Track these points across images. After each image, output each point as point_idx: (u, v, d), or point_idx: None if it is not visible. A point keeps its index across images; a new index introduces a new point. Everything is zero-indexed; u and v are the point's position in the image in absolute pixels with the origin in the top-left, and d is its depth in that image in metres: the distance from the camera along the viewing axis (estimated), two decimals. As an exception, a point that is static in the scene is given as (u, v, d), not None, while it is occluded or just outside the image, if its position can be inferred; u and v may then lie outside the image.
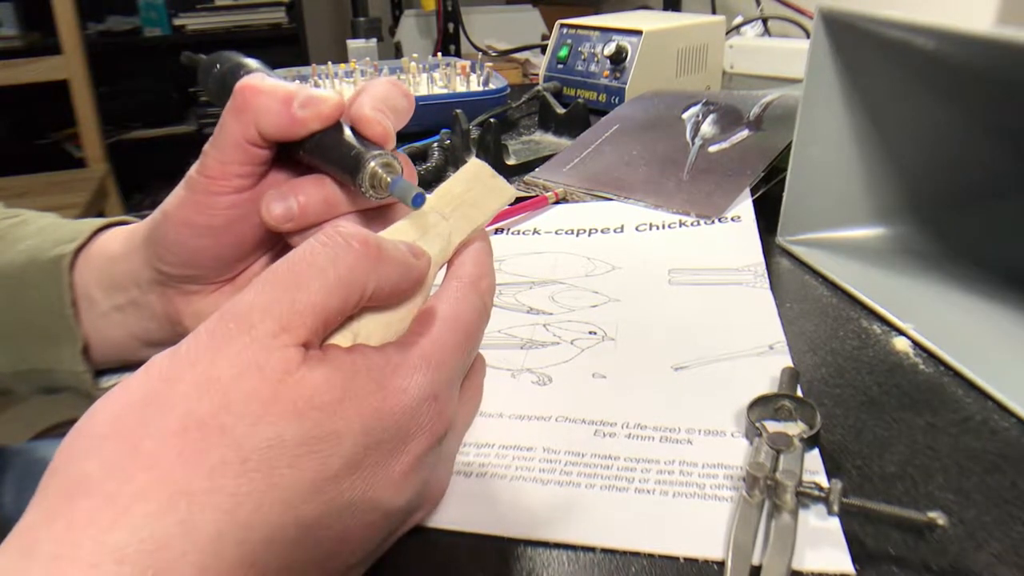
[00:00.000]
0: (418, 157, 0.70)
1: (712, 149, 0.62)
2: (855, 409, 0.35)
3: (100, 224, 0.39)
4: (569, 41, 0.90)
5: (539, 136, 0.80)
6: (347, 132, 0.30)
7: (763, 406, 0.34)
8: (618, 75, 0.84)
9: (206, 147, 0.31)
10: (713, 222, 0.54)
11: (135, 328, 0.37)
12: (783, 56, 1.02)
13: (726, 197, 0.56)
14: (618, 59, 0.83)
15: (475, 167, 0.30)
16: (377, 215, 0.32)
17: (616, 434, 0.34)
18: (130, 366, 0.39)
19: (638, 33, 0.83)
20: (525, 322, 0.45)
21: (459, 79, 0.87)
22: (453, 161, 0.70)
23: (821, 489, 0.28)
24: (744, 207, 0.55)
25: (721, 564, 0.27)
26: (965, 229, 0.50)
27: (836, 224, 0.52)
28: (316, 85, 0.86)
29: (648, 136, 0.66)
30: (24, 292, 0.37)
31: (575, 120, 0.77)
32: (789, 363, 0.38)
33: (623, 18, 0.92)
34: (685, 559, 0.28)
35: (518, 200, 0.58)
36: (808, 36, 0.88)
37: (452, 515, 0.30)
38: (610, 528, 0.29)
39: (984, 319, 0.43)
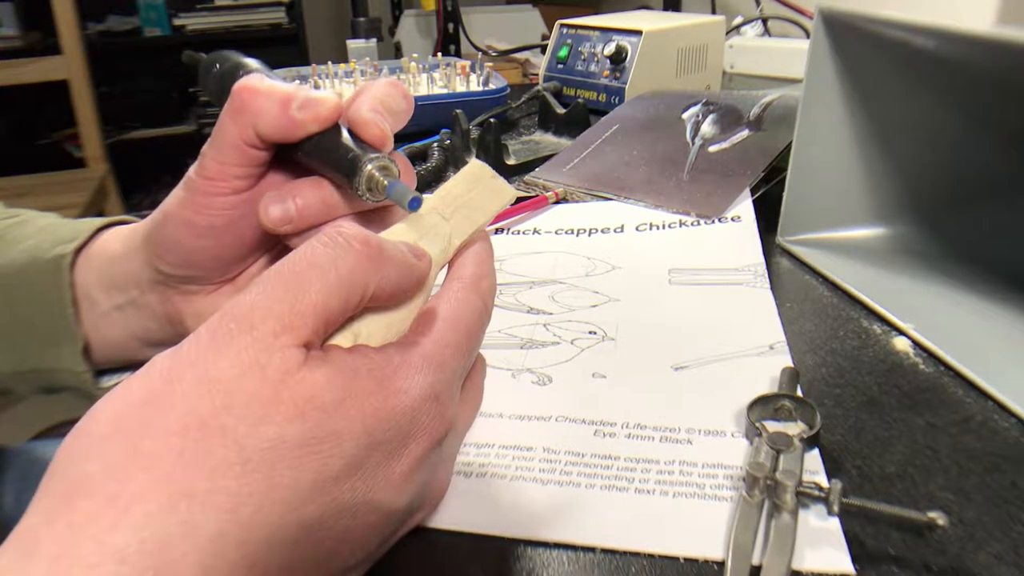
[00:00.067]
0: (418, 157, 0.70)
1: (712, 149, 0.62)
2: (855, 409, 0.35)
3: (100, 224, 0.39)
4: (569, 41, 0.90)
5: (539, 136, 0.80)
6: (345, 134, 0.30)
7: (763, 406, 0.34)
8: (618, 75, 0.84)
9: (204, 148, 0.31)
10: (713, 222, 0.54)
11: (135, 328, 0.37)
12: (783, 56, 1.02)
13: (726, 197, 0.56)
14: (618, 59, 0.83)
15: (476, 168, 0.30)
16: (376, 217, 0.32)
17: (616, 434, 0.34)
18: (131, 366, 0.39)
19: (638, 33, 0.83)
20: (525, 322, 0.45)
21: (459, 79, 0.87)
22: (453, 161, 0.70)
23: (821, 489, 0.28)
24: (744, 207, 0.55)
25: (721, 564, 0.27)
26: (965, 229, 0.50)
27: (836, 224, 0.52)
28: (316, 85, 0.86)
29: (648, 136, 0.66)
30: (24, 292, 0.37)
31: (575, 120, 0.77)
32: (789, 363, 0.38)
33: (623, 18, 0.92)
34: (685, 559, 0.28)
35: (518, 200, 0.58)
36: (808, 36, 0.88)
37: (452, 515, 0.30)
38: (610, 528, 0.29)
39: (984, 319, 0.43)
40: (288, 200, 0.30)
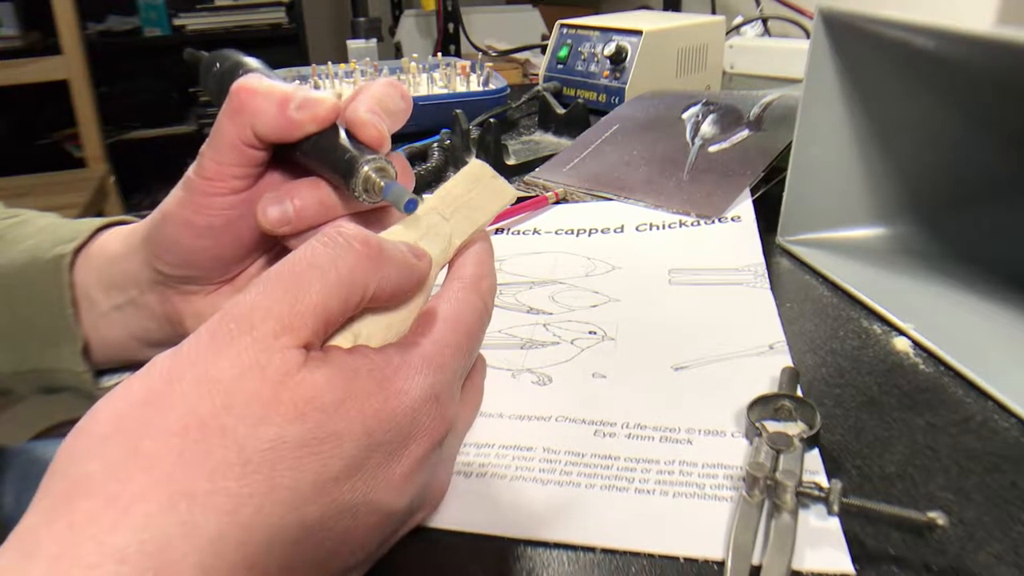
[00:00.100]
0: (418, 157, 0.70)
1: (712, 149, 0.62)
2: (855, 409, 0.35)
3: (100, 224, 0.39)
4: (569, 41, 0.90)
5: (539, 136, 0.80)
6: (342, 135, 0.30)
7: (763, 406, 0.34)
8: (618, 75, 0.84)
9: (203, 148, 0.31)
10: (713, 222, 0.54)
11: (135, 328, 0.37)
12: (783, 56, 1.02)
13: (726, 197, 0.56)
14: (618, 59, 0.83)
15: (476, 168, 0.30)
16: (375, 217, 0.32)
17: (616, 434, 0.34)
18: (131, 366, 0.39)
19: (638, 33, 0.83)
20: (525, 322, 0.45)
21: (459, 79, 0.87)
22: (453, 161, 0.70)
23: (821, 489, 0.28)
24: (744, 207, 0.55)
25: (721, 564, 0.27)
26: (965, 229, 0.50)
27: (836, 224, 0.52)
28: (316, 85, 0.86)
29: (648, 136, 0.66)
30: (24, 292, 0.37)
31: (575, 120, 0.77)
32: (789, 363, 0.38)
33: (623, 18, 0.92)
34: (685, 559, 0.28)
35: (518, 200, 0.58)
36: (808, 36, 0.88)
37: (453, 515, 0.30)
38: (610, 528, 0.29)
39: (984, 319, 0.43)
40: (286, 201, 0.30)
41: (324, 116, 0.30)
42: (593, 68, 0.86)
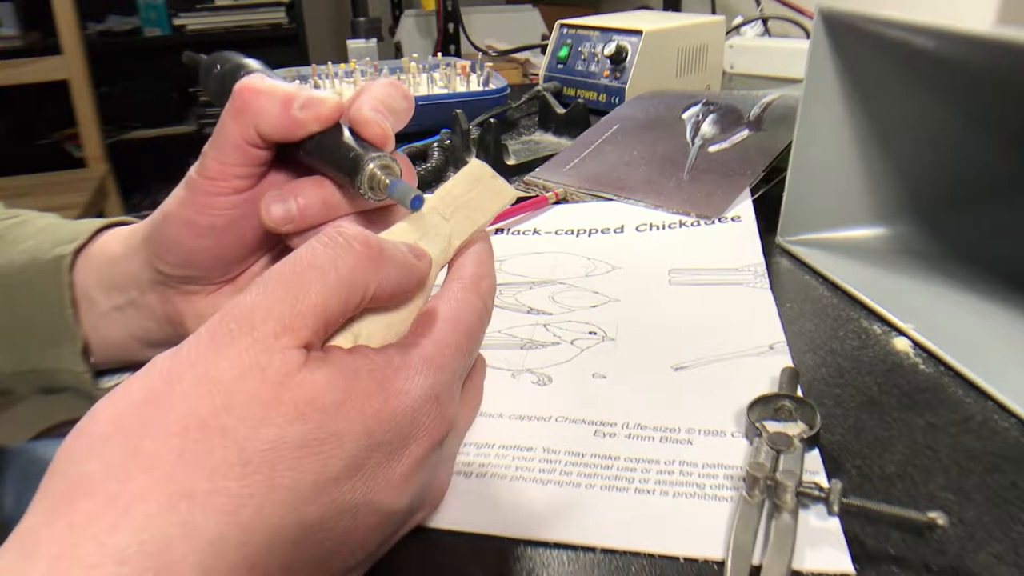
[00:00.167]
0: (418, 157, 0.70)
1: (712, 149, 0.62)
2: (855, 409, 0.35)
3: (100, 224, 0.39)
4: (569, 41, 0.90)
5: (539, 136, 0.80)
6: (346, 134, 0.30)
7: (763, 406, 0.34)
8: (618, 75, 0.84)
9: (205, 148, 0.31)
10: (713, 222, 0.54)
11: (135, 328, 0.37)
12: (783, 56, 1.02)
13: (726, 197, 0.56)
14: (618, 59, 0.83)
15: (476, 168, 0.30)
16: (377, 216, 0.32)
17: (616, 434, 0.34)
18: (131, 366, 0.39)
19: (638, 33, 0.83)
20: (525, 322, 0.45)
21: (459, 79, 0.87)
22: (453, 161, 0.70)
23: (821, 489, 0.28)
24: (744, 207, 0.55)
25: (721, 564, 0.27)
26: (965, 229, 0.50)
27: (836, 224, 0.52)
28: (316, 85, 0.86)
29: (648, 136, 0.66)
30: (24, 292, 0.37)
31: (575, 120, 0.77)
32: (789, 363, 0.38)
33: (623, 18, 0.92)
34: (685, 559, 0.28)
35: (518, 200, 0.58)
36: (808, 36, 0.88)
37: (453, 515, 0.30)
38: (610, 528, 0.29)
39: (984, 319, 0.43)
40: (290, 199, 0.30)
41: (327, 115, 0.30)
42: (593, 68, 0.86)
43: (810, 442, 0.32)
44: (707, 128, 0.64)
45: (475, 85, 0.87)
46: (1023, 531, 0.28)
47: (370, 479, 0.22)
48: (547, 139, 0.78)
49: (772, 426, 0.33)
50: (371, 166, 0.28)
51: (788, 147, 0.51)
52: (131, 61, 2.52)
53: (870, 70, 0.47)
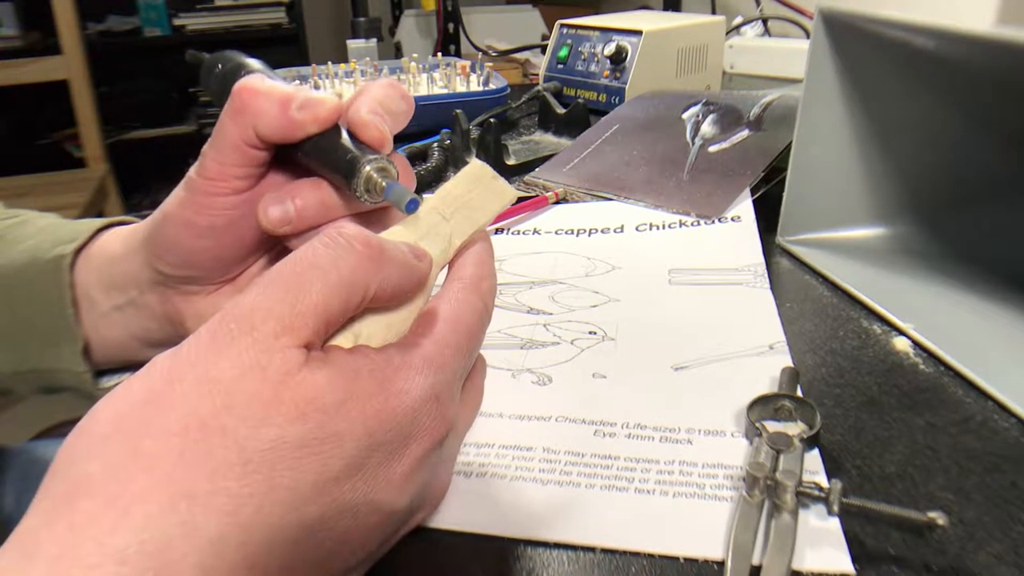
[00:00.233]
0: (418, 157, 0.70)
1: (712, 149, 0.62)
2: (855, 409, 0.35)
3: (100, 224, 0.39)
4: (569, 41, 0.90)
5: (539, 136, 0.80)
6: (344, 135, 0.30)
7: (763, 406, 0.34)
8: (618, 75, 0.84)
9: (205, 148, 0.31)
10: (713, 222, 0.54)
11: (135, 328, 0.37)
12: (783, 56, 1.02)
13: (726, 197, 0.56)
14: (618, 59, 0.83)
15: (476, 168, 0.30)
16: (376, 218, 0.32)
17: (616, 434, 0.34)
18: (131, 366, 0.39)
19: (638, 33, 0.83)
20: (525, 322, 0.45)
21: (459, 79, 0.87)
22: (453, 161, 0.70)
23: (821, 489, 0.28)
24: (744, 207, 0.55)
25: (721, 564, 0.27)
26: (965, 229, 0.50)
27: (836, 224, 0.52)
28: (316, 86, 0.86)
29: (648, 136, 0.66)
30: (24, 292, 0.37)
31: (575, 120, 0.77)
32: (789, 363, 0.38)
33: (623, 18, 0.92)
34: (685, 559, 0.28)
35: (518, 200, 0.58)
36: (808, 36, 0.88)
37: (453, 515, 0.30)
38: (610, 528, 0.29)
39: (984, 319, 0.43)
40: (287, 201, 0.30)
41: (326, 116, 0.30)
42: (593, 68, 0.86)
43: (810, 442, 0.32)
44: (707, 128, 0.64)
45: (475, 85, 0.87)
46: (1023, 531, 0.28)
47: (370, 479, 0.22)
48: (547, 139, 0.78)
49: (772, 426, 0.33)
50: (367, 169, 0.28)
51: (788, 147, 0.51)
52: (131, 61, 2.52)
53: (870, 70, 0.47)
